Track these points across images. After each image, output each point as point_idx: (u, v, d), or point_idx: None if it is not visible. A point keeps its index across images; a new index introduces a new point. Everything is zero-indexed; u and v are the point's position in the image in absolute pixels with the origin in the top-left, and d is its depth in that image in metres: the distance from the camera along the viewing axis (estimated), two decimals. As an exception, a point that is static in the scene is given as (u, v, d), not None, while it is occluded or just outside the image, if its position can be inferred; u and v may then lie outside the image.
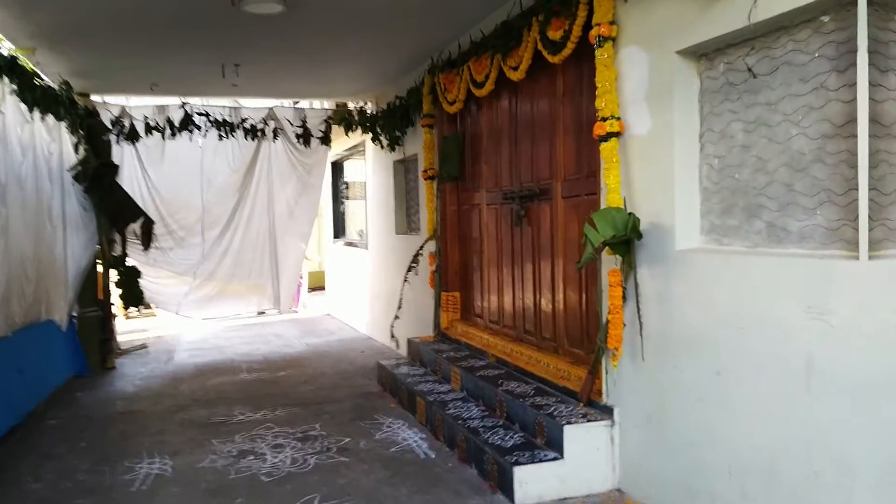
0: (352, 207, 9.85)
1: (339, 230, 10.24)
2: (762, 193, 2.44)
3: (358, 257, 8.69)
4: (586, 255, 2.85)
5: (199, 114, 7.11)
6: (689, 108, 2.75)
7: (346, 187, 10.04)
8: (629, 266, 2.95)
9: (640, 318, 2.84)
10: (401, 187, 7.02)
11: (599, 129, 3.02)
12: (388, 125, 6.48)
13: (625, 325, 3.03)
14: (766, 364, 2.32)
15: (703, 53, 2.70)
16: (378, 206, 7.57)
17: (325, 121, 7.59)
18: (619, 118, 3.01)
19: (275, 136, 7.60)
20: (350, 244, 9.36)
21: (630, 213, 2.81)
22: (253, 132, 7.47)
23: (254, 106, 7.62)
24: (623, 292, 2.98)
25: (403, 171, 6.97)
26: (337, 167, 9.89)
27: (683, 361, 2.71)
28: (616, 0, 3.05)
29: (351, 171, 9.87)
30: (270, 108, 7.53)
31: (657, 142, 2.83)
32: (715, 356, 2.54)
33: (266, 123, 7.53)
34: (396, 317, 5.93)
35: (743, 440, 2.44)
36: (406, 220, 6.98)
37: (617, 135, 3.01)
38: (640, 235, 2.83)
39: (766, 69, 2.39)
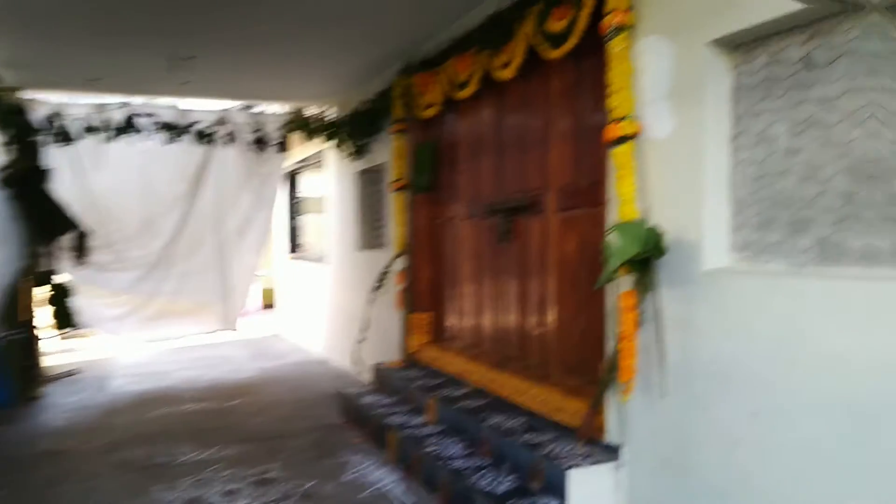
0: (308, 221, 9.30)
1: (293, 245, 9.67)
2: (813, 205, 2.11)
3: (314, 274, 8.14)
4: (607, 272, 2.47)
5: (143, 115, 6.47)
6: (720, 106, 2.41)
7: (301, 200, 9.49)
8: (645, 287, 2.58)
9: (661, 348, 2.46)
10: (365, 199, 6.55)
11: (613, 132, 2.65)
12: (353, 132, 6.02)
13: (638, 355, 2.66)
14: (821, 406, 1.97)
15: (738, 44, 2.37)
16: (339, 219, 7.07)
17: (283, 126, 7.06)
18: (635, 119, 2.66)
19: (227, 142, 7.02)
20: (306, 260, 8.80)
21: (651, 227, 2.44)
22: (203, 137, 6.85)
23: (205, 108, 7.03)
24: (638, 317, 2.60)
25: (369, 182, 6.50)
26: (291, 178, 9.35)
27: (712, 399, 2.34)
28: (632, -15, 2.71)
29: (307, 183, 9.34)
30: (223, 111, 6.95)
31: (682, 146, 2.48)
32: (753, 394, 2.18)
33: (218, 128, 6.95)
34: (361, 340, 5.43)
35: (788, 494, 2.08)
36: (371, 234, 6.51)
37: (632, 138, 2.65)
38: (662, 252, 2.46)
39: (822, 60, 2.07)
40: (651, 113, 2.62)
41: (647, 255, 2.45)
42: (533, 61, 3.44)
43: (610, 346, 2.84)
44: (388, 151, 5.49)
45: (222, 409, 5.34)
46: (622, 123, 2.64)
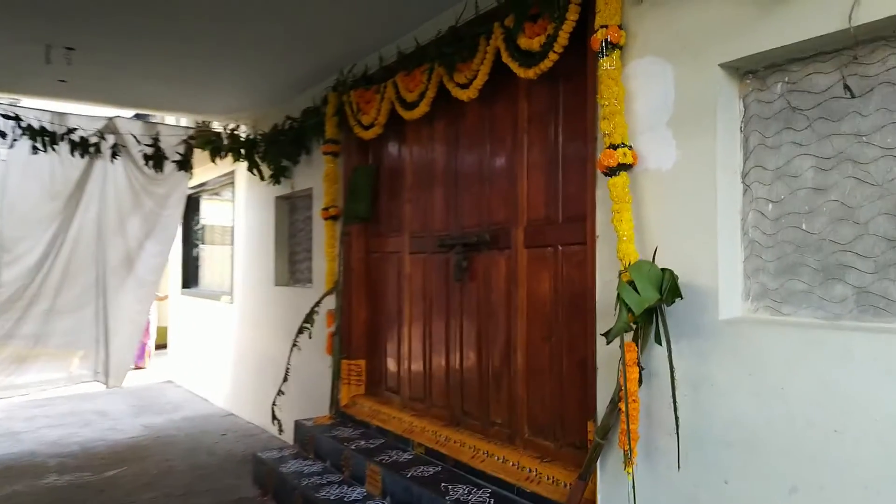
0: (211, 252, 8.69)
1: (190, 279, 9.00)
2: (847, 250, 2.03)
3: (217, 313, 7.57)
4: (619, 324, 2.28)
5: (5, 116, 5.62)
6: (731, 137, 2.32)
7: (203, 228, 8.88)
8: (646, 338, 2.42)
9: (676, 411, 2.28)
10: (284, 229, 6.16)
11: (609, 160, 2.50)
12: (272, 152, 5.65)
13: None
14: (876, 482, 1.84)
15: (749, 70, 2.30)
16: (250, 251, 6.61)
17: (186, 141, 6.53)
18: (630, 147, 2.53)
19: (114, 155, 6.21)
20: (206, 296, 8.18)
21: (667, 270, 2.29)
22: (83, 147, 6.06)
23: (87, 114, 6.36)
24: (640, 373, 2.44)
25: (289, 209, 6.13)
26: (191, 203, 8.73)
27: (735, 471, 2.18)
28: (623, 0, 2.62)
29: (210, 209, 8.76)
30: (110, 119, 6.31)
31: (688, 178, 2.36)
32: (789, 467, 2.03)
33: (103, 137, 6.25)
34: (280, 392, 4.99)
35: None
36: (291, 268, 6.11)
37: (628, 168, 2.52)
38: (673, 299, 2.31)
39: (854, 90, 2.01)
40: (647, 141, 2.50)
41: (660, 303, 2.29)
42: (498, 81, 3.29)
43: (601, 404, 2.66)
44: (316, 175, 5.17)
45: (97, 483, 4.69)
46: (619, 151, 2.50)
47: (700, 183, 2.33)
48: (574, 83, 3.04)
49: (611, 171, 2.53)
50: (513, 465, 3.17)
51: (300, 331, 4.88)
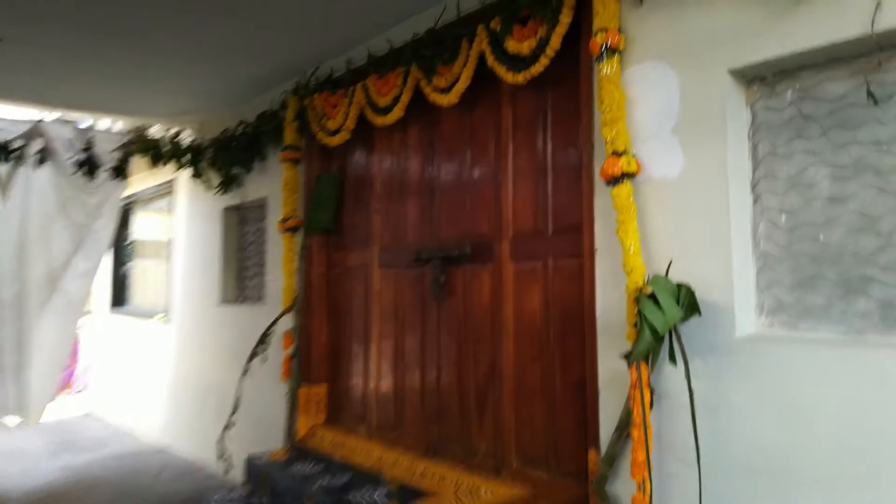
0: (143, 267, 8.35)
1: (119, 297, 8.63)
2: (870, 261, 2.06)
3: (149, 334, 7.27)
4: (642, 345, 2.25)
5: None
6: (741, 145, 2.35)
7: (134, 241, 8.55)
8: (656, 358, 2.40)
9: (697, 440, 2.25)
10: (232, 241, 5.97)
11: (612, 168, 2.50)
12: (222, 159, 5.49)
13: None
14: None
15: (755, 77, 2.34)
16: (193, 265, 6.38)
17: (123, 147, 6.27)
18: (633, 155, 2.53)
19: (41, 161, 6.03)
20: (136, 315, 7.85)
21: (681, 285, 2.28)
22: (4, 152, 5.83)
23: (9, 116, 6.06)
24: (651, 395, 2.41)
25: (239, 221, 5.95)
26: (121, 215, 8.39)
27: (762, 502, 2.17)
28: (621, 3, 2.64)
29: (143, 221, 8.44)
30: (37, 122, 6.02)
31: (698, 188, 2.37)
32: (823, 495, 2.03)
33: (27, 142, 5.97)
34: (229, 424, 4.78)
35: None
36: (238, 285, 5.92)
37: (631, 176, 2.52)
38: (689, 316, 2.30)
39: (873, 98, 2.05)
40: (652, 149, 2.51)
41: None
42: (479, 86, 3.27)
43: (605, 430, 2.62)
44: (271, 184, 5.05)
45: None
46: (623, 159, 2.50)
47: (709, 192, 2.35)
48: (564, 89, 3.04)
49: (614, 180, 2.52)
50: (504, 499, 3.10)
51: (253, 354, 4.71)
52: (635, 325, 2.35)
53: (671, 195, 2.45)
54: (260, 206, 5.50)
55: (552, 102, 3.12)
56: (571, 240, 2.96)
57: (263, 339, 4.68)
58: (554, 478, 3.01)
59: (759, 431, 2.18)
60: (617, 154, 2.51)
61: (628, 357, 2.30)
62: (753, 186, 2.35)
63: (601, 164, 2.64)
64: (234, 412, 4.72)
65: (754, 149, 2.35)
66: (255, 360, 4.72)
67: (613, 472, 2.56)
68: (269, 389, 4.83)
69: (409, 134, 3.99)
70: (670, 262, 2.34)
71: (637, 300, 2.28)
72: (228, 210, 5.93)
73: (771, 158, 2.31)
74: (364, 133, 4.24)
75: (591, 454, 2.72)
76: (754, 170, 2.35)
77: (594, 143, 2.73)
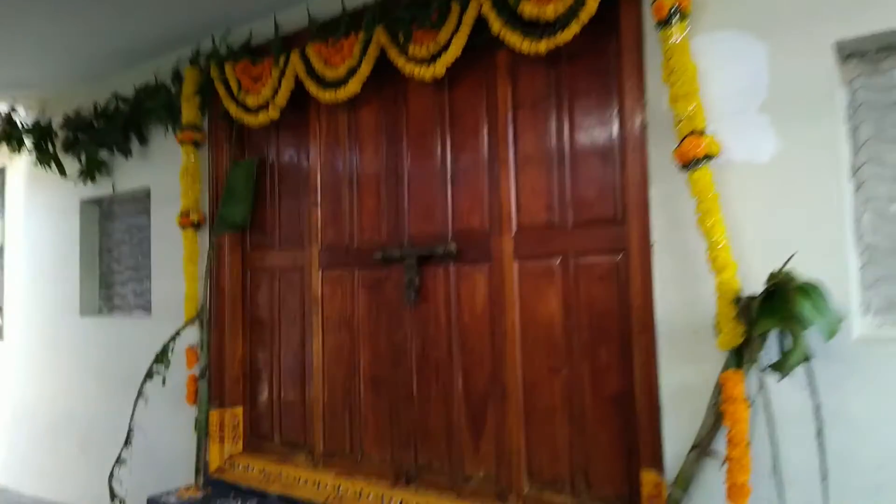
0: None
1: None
2: None
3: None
4: (798, 353, 1.79)
5: None
6: (837, 127, 2.01)
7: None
8: (750, 365, 2.00)
9: (825, 461, 1.86)
10: (93, 241, 4.75)
11: (694, 149, 2.04)
12: (88, 141, 4.29)
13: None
14: None
15: (855, 52, 2.01)
16: (37, 271, 5.02)
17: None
18: (711, 135, 2.10)
19: None
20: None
21: (811, 284, 1.87)
22: None
23: None
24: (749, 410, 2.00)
25: (101, 216, 4.74)
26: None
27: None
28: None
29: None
30: None
31: (795, 175, 1.99)
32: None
33: None
34: (120, 459, 3.71)
35: None
36: (105, 293, 4.72)
37: (710, 160, 2.08)
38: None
39: None
40: (733, 129, 2.10)
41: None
42: (465, 57, 2.68)
43: (672, 449, 2.18)
44: (157, 171, 4.04)
45: None
46: (706, 139, 2.06)
47: (809, 178, 1.98)
48: (587, 60, 2.55)
49: (693, 163, 2.07)
50: (518, 530, 2.56)
51: (149, 375, 3.69)
52: (748, 331, 1.93)
53: (759, 181, 2.05)
54: (140, 199, 4.40)
55: (570, 78, 2.60)
56: (602, 234, 2.48)
57: (162, 358, 3.68)
58: (584, 503, 2.52)
59: (886, 444, 1.85)
60: (697, 133, 2.07)
61: (780, 368, 1.86)
62: (854, 172, 2.02)
63: (661, 145, 2.20)
64: (126, 443, 3.68)
65: (854, 131, 2.02)
66: (149, 382, 3.72)
67: (688, 496, 2.13)
68: (169, 415, 3.84)
69: (362, 113, 3.26)
70: (791, 256, 1.93)
71: (786, 300, 1.83)
72: (88, 204, 4.71)
73: (875, 143, 1.99)
74: (296, 111, 3.43)
75: (647, 476, 2.27)
76: (855, 154, 2.02)
77: (647, 122, 2.27)
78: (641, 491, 2.29)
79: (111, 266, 4.72)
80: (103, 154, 4.33)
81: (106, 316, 4.65)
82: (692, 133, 2.06)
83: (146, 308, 4.36)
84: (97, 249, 4.78)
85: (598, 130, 2.51)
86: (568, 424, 2.56)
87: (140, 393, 3.64)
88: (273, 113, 3.35)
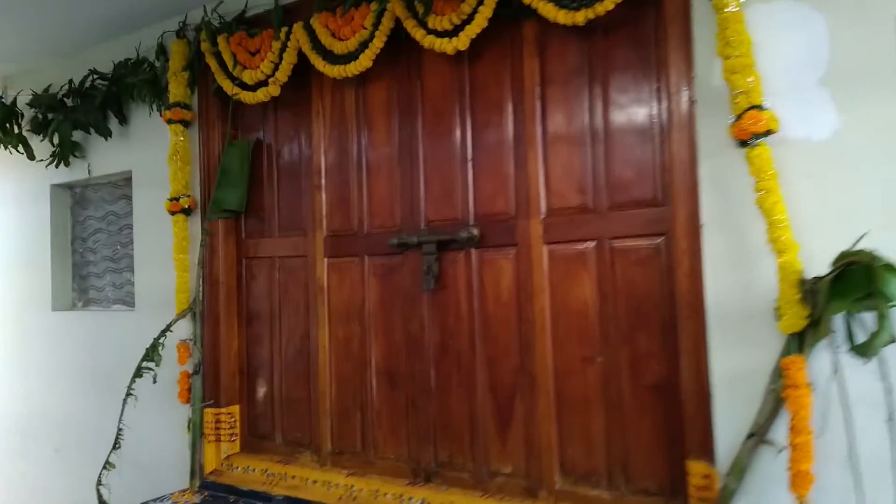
0: None
1: None
2: None
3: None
4: (885, 334, 1.74)
5: None
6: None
7: None
8: (811, 348, 1.96)
9: (894, 440, 1.84)
10: (66, 229, 4.51)
11: (755, 124, 1.98)
12: (61, 121, 4.04)
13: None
14: None
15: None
16: (2, 261, 4.74)
17: None
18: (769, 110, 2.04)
19: None
20: None
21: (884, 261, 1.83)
22: None
23: None
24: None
25: (73, 203, 4.50)
26: None
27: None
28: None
29: None
30: None
31: (860, 152, 1.95)
32: None
33: None
34: (107, 465, 3.53)
35: None
36: (80, 285, 4.49)
37: (767, 135, 2.02)
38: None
39: None
40: (790, 104, 2.04)
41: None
42: (488, 30, 2.58)
43: (723, 437, 2.13)
44: (140, 153, 3.84)
45: None
46: (766, 114, 2.00)
47: (872, 156, 1.94)
48: (624, 32, 2.46)
49: (752, 139, 2.01)
50: (555, 526, 2.49)
51: (138, 373, 3.51)
52: (812, 314, 1.88)
53: (819, 158, 2.00)
54: (115, 184, 4.18)
55: (604, 49, 2.51)
56: (641, 217, 2.41)
57: (152, 354, 3.49)
58: (622, 496, 2.46)
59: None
60: (757, 108, 2.00)
61: (863, 351, 1.81)
62: (917, 148, 1.98)
63: (711, 122, 2.14)
64: (115, 446, 3.49)
65: (915, 105, 1.99)
66: (136, 382, 3.54)
67: (741, 485, 2.09)
68: (157, 415, 3.66)
69: (372, 90, 3.12)
70: (862, 236, 1.88)
71: (872, 278, 1.77)
72: (59, 189, 4.47)
73: (940, 118, 1.96)
74: (296, 88, 3.28)
75: (694, 466, 2.21)
76: (917, 129, 1.98)
77: (696, 97, 2.20)
78: (688, 482, 2.23)
79: (86, 257, 4.48)
80: (77, 135, 4.09)
81: (81, 310, 4.42)
82: (752, 108, 2.00)
83: (127, 301, 4.15)
84: (69, 239, 4.54)
85: (637, 107, 2.43)
86: (604, 415, 2.50)
87: (129, 392, 3.46)
88: (273, 89, 3.19)
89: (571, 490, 2.57)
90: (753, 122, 1.98)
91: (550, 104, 2.62)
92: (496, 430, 2.76)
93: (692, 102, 2.20)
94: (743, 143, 2.03)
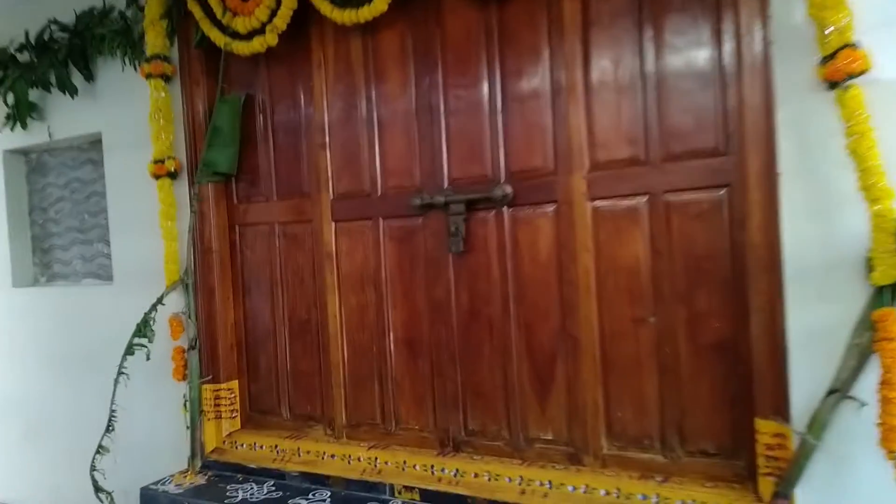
0: None
1: None
2: None
3: None
4: None
5: None
6: None
7: None
8: (899, 303, 1.77)
9: None
10: (20, 199, 3.92)
11: (850, 64, 1.74)
12: (17, 79, 3.44)
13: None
14: None
15: None
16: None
17: None
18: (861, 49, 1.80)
19: None
20: None
21: None
22: None
23: None
24: None
25: (29, 170, 3.91)
26: None
27: None
28: None
29: None
30: None
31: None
32: None
33: None
34: (100, 450, 3.08)
35: None
36: (40, 260, 3.93)
37: (859, 76, 1.79)
38: None
39: None
40: (880, 42, 1.81)
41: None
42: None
43: (800, 394, 1.94)
44: (110, 113, 3.32)
45: None
46: (860, 52, 1.76)
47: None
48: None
49: (843, 81, 1.77)
50: (606, 492, 2.26)
51: (129, 351, 3.06)
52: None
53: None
54: (79, 147, 3.63)
55: (660, -10, 2.22)
56: (701, 168, 2.15)
57: (144, 329, 3.05)
58: (677, 458, 2.25)
59: None
60: (851, 46, 1.76)
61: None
62: None
63: (790, 63, 1.89)
64: (108, 429, 3.06)
65: None
66: (128, 360, 3.10)
67: (821, 443, 1.91)
68: (147, 394, 3.23)
69: (383, 38, 2.72)
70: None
71: None
72: (13, 155, 3.86)
73: None
74: (292, 37, 2.84)
75: (764, 425, 2.02)
76: None
77: (772, 37, 1.94)
78: (757, 440, 2.04)
79: (47, 228, 3.91)
80: (34, 95, 3.50)
81: (46, 286, 3.88)
82: (845, 47, 1.76)
83: (101, 275, 3.65)
84: (26, 209, 3.95)
85: (696, 50, 2.15)
86: (657, 376, 2.27)
87: (121, 371, 3.02)
88: (271, 38, 2.75)
89: (619, 455, 2.35)
90: (849, 61, 1.74)
91: (594, 49, 2.31)
92: (534, 396, 2.50)
93: (768, 44, 1.94)
94: (832, 86, 1.79)
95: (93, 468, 3.04)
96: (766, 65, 1.95)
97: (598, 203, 2.33)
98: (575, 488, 2.32)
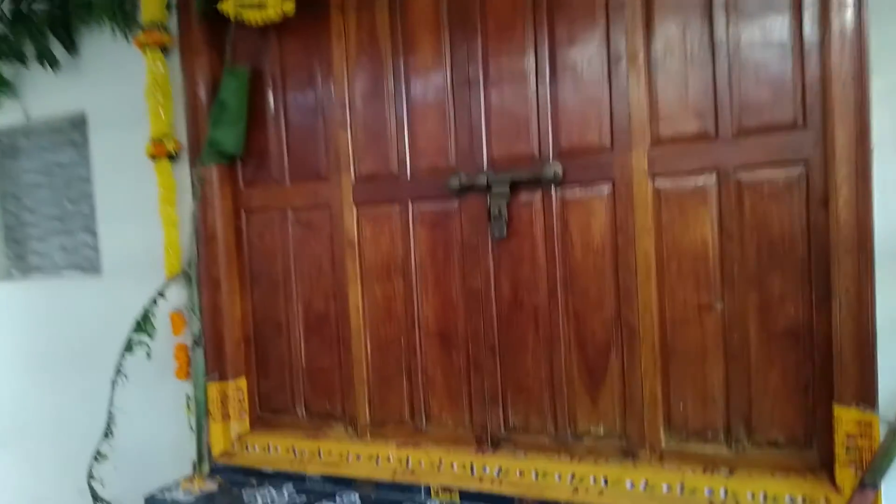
0: None
1: None
2: None
3: None
4: None
5: None
6: None
7: None
8: None
9: None
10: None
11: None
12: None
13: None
14: None
15: None
16: None
17: None
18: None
19: None
20: None
21: None
22: None
23: None
24: None
25: (12, 151, 3.44)
26: None
27: None
28: None
29: None
30: None
31: None
32: None
33: None
34: (98, 456, 2.71)
35: None
36: (13, 251, 3.47)
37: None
38: None
39: None
40: None
41: None
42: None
43: (888, 378, 1.77)
44: (96, 89, 2.93)
45: None
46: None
47: None
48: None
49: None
50: (668, 487, 2.06)
51: (128, 348, 2.70)
52: None
53: None
54: (57, 129, 3.19)
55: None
56: (776, 143, 1.94)
57: (144, 326, 2.69)
58: (743, 450, 2.06)
59: None
60: (967, 8, 1.58)
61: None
62: None
63: (887, 29, 1.70)
64: (106, 434, 2.70)
65: None
66: (123, 359, 2.73)
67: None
68: (147, 396, 2.87)
69: (413, 5, 2.42)
70: None
71: None
72: (-18, 136, 3.39)
73: None
74: (307, 5, 2.51)
75: (845, 413, 1.84)
76: None
77: (866, 2, 1.75)
78: (835, 429, 1.87)
79: (20, 217, 3.46)
80: (9, 71, 3.06)
81: (21, 280, 3.43)
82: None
83: (86, 267, 3.23)
84: (11, 196, 3.49)
85: (774, 16, 1.94)
86: (723, 365, 2.07)
87: (119, 370, 2.65)
88: (288, 5, 2.42)
89: (680, 448, 2.15)
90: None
91: (657, 14, 2.07)
92: (585, 389, 2.27)
93: (861, 7, 1.75)
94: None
95: (90, 476, 2.67)
96: (860, 32, 1.75)
97: (661, 181, 2.10)
98: (633, 484, 2.11)
